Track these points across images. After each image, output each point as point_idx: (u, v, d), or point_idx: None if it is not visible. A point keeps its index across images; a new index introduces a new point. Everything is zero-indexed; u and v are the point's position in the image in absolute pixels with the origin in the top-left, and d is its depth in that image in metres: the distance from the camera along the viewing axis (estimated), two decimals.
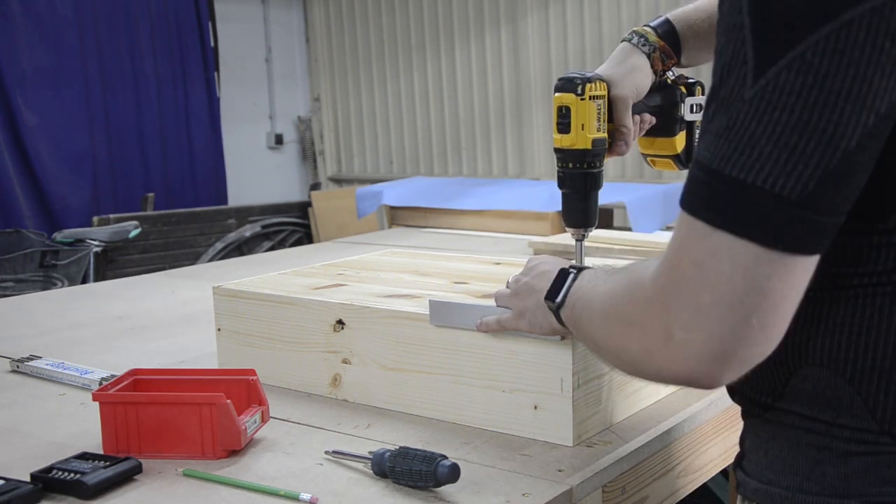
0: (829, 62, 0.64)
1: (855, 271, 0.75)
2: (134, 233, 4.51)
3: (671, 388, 1.31)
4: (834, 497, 0.79)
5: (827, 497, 0.79)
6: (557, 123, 1.17)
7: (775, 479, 0.83)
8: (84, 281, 4.13)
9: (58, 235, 4.28)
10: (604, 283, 0.91)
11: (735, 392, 0.90)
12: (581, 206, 1.21)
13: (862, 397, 0.77)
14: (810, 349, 0.79)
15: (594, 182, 1.19)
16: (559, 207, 1.22)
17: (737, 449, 1.14)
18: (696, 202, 0.70)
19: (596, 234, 2.59)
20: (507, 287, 1.14)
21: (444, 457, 0.98)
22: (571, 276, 0.99)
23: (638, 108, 1.22)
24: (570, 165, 1.19)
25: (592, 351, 0.95)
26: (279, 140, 6.57)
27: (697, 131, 1.28)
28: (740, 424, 1.22)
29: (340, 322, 1.29)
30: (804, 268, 0.69)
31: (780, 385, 0.82)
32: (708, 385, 0.75)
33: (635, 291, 0.79)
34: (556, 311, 0.99)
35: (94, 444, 1.13)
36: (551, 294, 1.00)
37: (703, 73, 4.27)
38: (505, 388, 1.15)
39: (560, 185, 1.22)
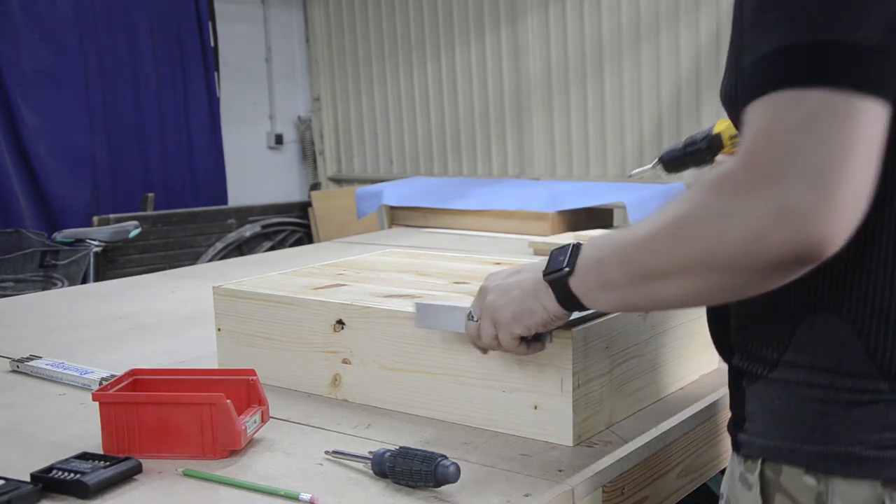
0: None
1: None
2: (134, 233, 4.51)
3: (676, 386, 1.31)
4: (838, 445, 0.85)
5: (832, 446, 0.85)
6: None
7: (783, 433, 0.89)
8: (84, 281, 4.13)
9: (58, 235, 4.28)
10: (636, 227, 0.88)
11: (735, 354, 0.95)
12: None
13: (863, 341, 0.83)
14: (817, 297, 0.85)
15: None
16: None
17: None
18: (781, 75, 0.73)
19: (596, 233, 2.59)
20: (472, 319, 1.08)
21: (444, 457, 0.98)
22: (571, 246, 0.96)
23: None
24: None
25: (641, 290, 0.87)
26: (279, 140, 6.57)
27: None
28: None
29: (340, 322, 1.29)
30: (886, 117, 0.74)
31: (788, 336, 0.88)
32: (824, 250, 0.73)
33: (715, 187, 0.77)
34: (564, 280, 0.94)
35: (94, 444, 1.13)
36: (552, 266, 0.96)
37: None
38: (505, 388, 1.15)
39: None
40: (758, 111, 0.75)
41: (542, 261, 1.00)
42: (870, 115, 0.72)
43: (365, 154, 6.52)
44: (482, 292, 1.06)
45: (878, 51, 0.72)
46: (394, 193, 3.70)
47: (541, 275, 0.98)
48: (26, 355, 1.57)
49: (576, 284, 0.94)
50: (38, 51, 5.01)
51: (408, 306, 1.25)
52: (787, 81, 0.73)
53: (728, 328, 0.96)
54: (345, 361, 1.30)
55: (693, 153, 1.63)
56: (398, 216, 3.68)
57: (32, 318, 2.02)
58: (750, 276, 0.78)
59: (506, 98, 5.73)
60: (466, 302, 1.15)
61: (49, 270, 4.11)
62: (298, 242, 5.69)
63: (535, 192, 3.41)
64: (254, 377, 1.19)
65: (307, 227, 5.86)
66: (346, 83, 6.49)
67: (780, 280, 0.77)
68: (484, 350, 1.10)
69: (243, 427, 1.10)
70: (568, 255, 0.94)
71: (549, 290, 0.97)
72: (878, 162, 0.73)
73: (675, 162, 1.68)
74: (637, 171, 1.83)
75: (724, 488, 1.00)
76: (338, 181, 6.66)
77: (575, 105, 5.44)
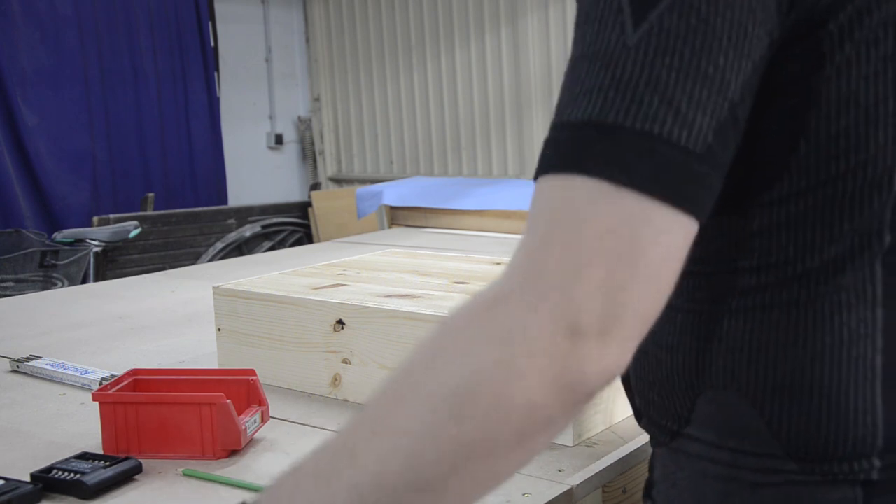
0: (708, 5, 0.59)
1: (750, 266, 0.71)
2: (134, 233, 4.52)
3: None
4: None
5: None
6: None
7: None
8: (84, 281, 4.13)
9: (58, 235, 4.28)
10: (347, 434, 0.59)
11: (642, 417, 0.84)
12: None
13: (766, 420, 0.71)
14: (713, 370, 0.73)
15: None
16: None
17: None
18: (590, 159, 0.57)
19: None
20: None
21: None
22: None
23: None
24: None
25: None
26: (279, 140, 6.57)
27: None
28: None
29: (340, 322, 1.29)
30: (693, 234, 0.59)
31: (686, 410, 0.76)
32: (615, 376, 0.59)
33: (479, 320, 0.57)
34: None
35: (94, 444, 1.13)
36: None
37: None
38: None
39: None
40: (554, 190, 0.58)
41: None
42: (679, 234, 0.57)
43: (365, 154, 6.52)
44: None
45: (701, 160, 0.58)
46: (394, 193, 3.70)
47: None
48: (26, 355, 1.57)
49: None
50: (38, 51, 5.01)
51: (408, 306, 1.25)
52: (602, 170, 0.56)
53: (631, 389, 0.85)
54: (345, 361, 1.30)
55: None
56: (398, 216, 3.68)
57: (32, 318, 2.02)
58: (544, 437, 0.58)
59: (506, 98, 5.73)
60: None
61: (49, 270, 4.11)
62: (298, 242, 5.69)
63: None
64: (254, 377, 1.19)
65: (307, 227, 5.86)
66: (346, 83, 6.49)
67: (599, 389, 0.58)
68: None
69: (243, 427, 1.10)
70: None
71: None
72: (672, 286, 0.58)
73: None
74: None
75: None
76: (338, 181, 6.66)
77: None
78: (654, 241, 0.56)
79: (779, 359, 0.70)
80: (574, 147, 0.58)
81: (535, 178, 0.61)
